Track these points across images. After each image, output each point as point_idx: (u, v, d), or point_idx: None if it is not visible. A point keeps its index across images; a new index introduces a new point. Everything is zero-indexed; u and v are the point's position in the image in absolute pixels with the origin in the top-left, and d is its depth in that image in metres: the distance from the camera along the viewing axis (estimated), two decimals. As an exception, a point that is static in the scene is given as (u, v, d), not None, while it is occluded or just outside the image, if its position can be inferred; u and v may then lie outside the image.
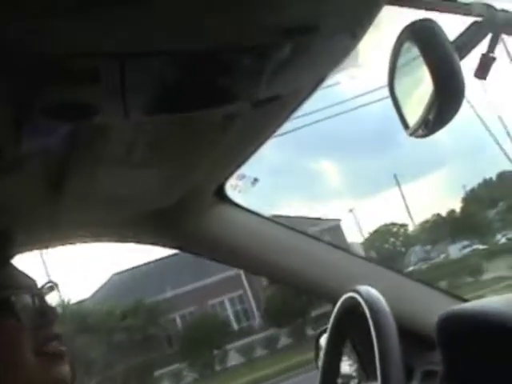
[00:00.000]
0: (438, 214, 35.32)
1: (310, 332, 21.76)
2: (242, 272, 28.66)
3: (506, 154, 10.24)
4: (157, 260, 26.16)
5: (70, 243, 1.39)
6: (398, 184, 38.90)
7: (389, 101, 0.85)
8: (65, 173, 1.04)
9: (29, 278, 0.97)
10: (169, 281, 26.27)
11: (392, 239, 37.87)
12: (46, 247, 1.33)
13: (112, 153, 1.02)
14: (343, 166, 58.77)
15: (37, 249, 1.28)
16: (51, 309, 0.95)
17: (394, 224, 38.61)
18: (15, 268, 0.97)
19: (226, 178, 1.34)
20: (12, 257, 0.97)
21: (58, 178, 1.05)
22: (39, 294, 0.95)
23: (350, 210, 37.29)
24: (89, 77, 0.68)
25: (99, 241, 1.45)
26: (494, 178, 40.80)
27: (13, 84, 0.71)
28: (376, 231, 39.00)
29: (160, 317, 24.39)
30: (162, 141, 0.99)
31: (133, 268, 28.33)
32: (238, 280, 28.67)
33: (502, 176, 37.28)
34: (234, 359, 23.50)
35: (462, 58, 0.79)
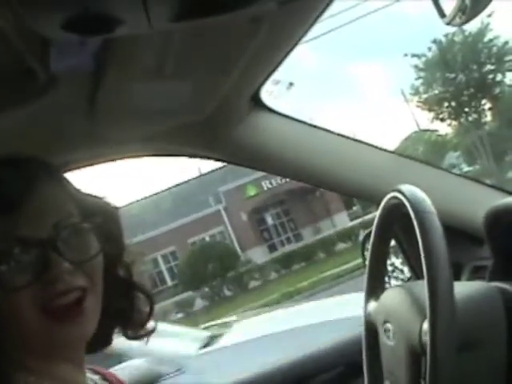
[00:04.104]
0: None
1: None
2: (221, 208, 28.95)
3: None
4: (133, 202, 26.31)
5: (109, 161, 1.40)
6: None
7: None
8: (98, 90, 1.03)
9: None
10: (148, 221, 26.41)
11: (424, 146, 36.82)
12: (84, 166, 1.34)
13: (143, 66, 1.01)
14: (386, 67, 57.42)
15: (74, 169, 1.29)
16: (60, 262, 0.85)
17: (425, 130, 37.44)
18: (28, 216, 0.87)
19: (261, 84, 1.31)
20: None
21: (91, 95, 1.05)
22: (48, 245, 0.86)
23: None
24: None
25: (137, 156, 1.46)
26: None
27: (34, 5, 0.70)
28: (407, 138, 38.00)
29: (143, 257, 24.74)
30: (192, 50, 0.98)
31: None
32: (217, 216, 28.89)
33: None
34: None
35: None
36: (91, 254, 0.91)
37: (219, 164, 1.69)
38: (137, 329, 1.04)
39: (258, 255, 27.07)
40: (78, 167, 1.32)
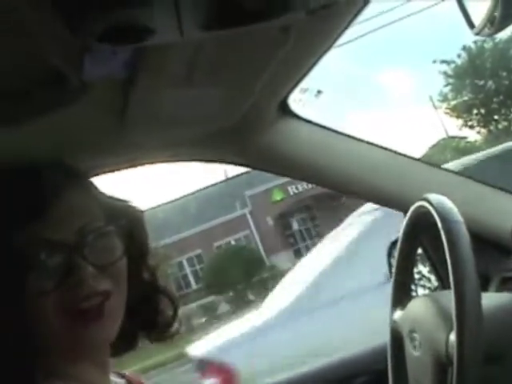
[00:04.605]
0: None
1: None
2: (247, 212, 28.84)
3: None
4: (160, 205, 26.28)
5: (136, 166, 1.41)
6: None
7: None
8: (128, 97, 1.05)
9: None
10: (174, 224, 26.42)
11: (452, 153, 36.28)
12: (112, 171, 1.35)
13: (173, 73, 1.02)
14: (415, 73, 57.09)
15: (101, 173, 1.31)
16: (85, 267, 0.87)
17: (454, 137, 36.88)
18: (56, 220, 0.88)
19: (289, 92, 1.32)
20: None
21: (122, 102, 1.06)
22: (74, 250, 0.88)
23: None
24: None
25: (166, 162, 1.47)
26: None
27: (68, 12, 0.72)
28: (435, 145, 37.48)
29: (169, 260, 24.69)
30: (221, 58, 0.98)
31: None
32: (243, 220, 28.79)
33: None
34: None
35: None
36: (115, 258, 0.92)
37: (246, 168, 1.69)
38: (161, 332, 1.05)
39: (283, 260, 26.98)
40: (106, 172, 1.34)
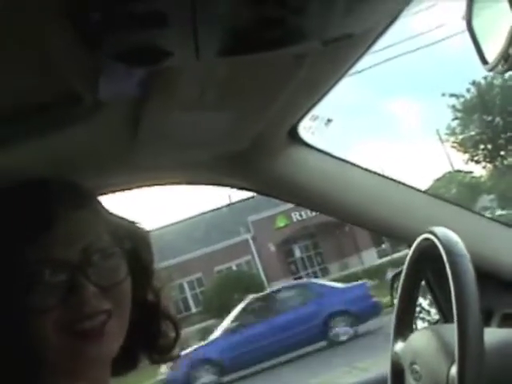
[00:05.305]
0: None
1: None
2: (249, 237, 28.78)
3: None
4: (163, 227, 26.27)
5: (143, 187, 1.42)
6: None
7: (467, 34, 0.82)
8: (140, 117, 1.05)
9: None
10: (175, 247, 26.30)
11: (457, 187, 36.14)
12: (119, 191, 1.35)
13: (185, 95, 1.02)
14: (423, 105, 57.30)
15: (109, 193, 1.31)
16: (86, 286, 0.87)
17: (459, 171, 36.79)
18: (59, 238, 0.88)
19: (299, 120, 1.33)
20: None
21: (133, 122, 1.07)
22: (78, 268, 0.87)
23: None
24: (158, 20, 0.68)
25: (173, 184, 1.48)
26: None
27: (86, 31, 0.73)
28: (440, 178, 37.36)
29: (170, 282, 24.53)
30: (234, 82, 0.99)
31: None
32: (245, 246, 28.73)
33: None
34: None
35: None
36: (119, 279, 0.92)
37: (251, 193, 1.70)
38: (162, 353, 1.05)
39: (284, 288, 26.80)
40: (113, 191, 1.34)
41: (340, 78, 1.13)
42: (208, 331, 23.10)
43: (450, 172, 37.04)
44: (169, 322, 1.04)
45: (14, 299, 0.85)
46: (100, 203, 1.01)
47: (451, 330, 1.02)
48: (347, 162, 1.53)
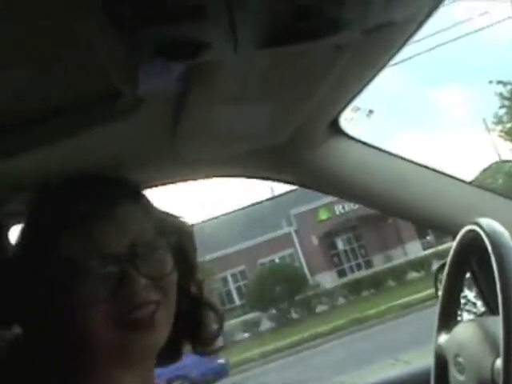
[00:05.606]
0: None
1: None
2: (292, 230, 28.61)
3: None
4: (207, 220, 26.35)
5: (186, 181, 1.43)
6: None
7: None
8: (180, 111, 1.06)
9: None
10: (219, 240, 26.39)
11: (504, 178, 35.23)
12: (162, 185, 1.37)
13: (225, 89, 1.02)
14: (469, 94, 56.29)
15: (152, 187, 1.32)
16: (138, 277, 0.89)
17: (507, 161, 35.80)
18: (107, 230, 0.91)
19: (341, 111, 1.32)
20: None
21: (174, 117, 1.08)
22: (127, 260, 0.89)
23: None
24: (195, 13, 0.69)
25: (214, 177, 1.48)
26: None
27: (124, 28, 0.73)
28: (487, 169, 36.32)
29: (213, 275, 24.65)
30: (273, 75, 0.99)
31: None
32: (288, 238, 28.60)
33: None
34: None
35: None
36: (167, 271, 0.93)
37: (293, 186, 1.69)
38: (206, 345, 1.06)
39: (327, 280, 26.83)
40: (157, 185, 1.35)
41: (381, 68, 1.12)
42: (252, 324, 23.26)
43: (496, 162, 36.19)
44: (212, 313, 1.06)
45: (66, 292, 0.87)
46: (146, 198, 1.02)
47: (496, 323, 1.00)
48: (390, 153, 1.52)
